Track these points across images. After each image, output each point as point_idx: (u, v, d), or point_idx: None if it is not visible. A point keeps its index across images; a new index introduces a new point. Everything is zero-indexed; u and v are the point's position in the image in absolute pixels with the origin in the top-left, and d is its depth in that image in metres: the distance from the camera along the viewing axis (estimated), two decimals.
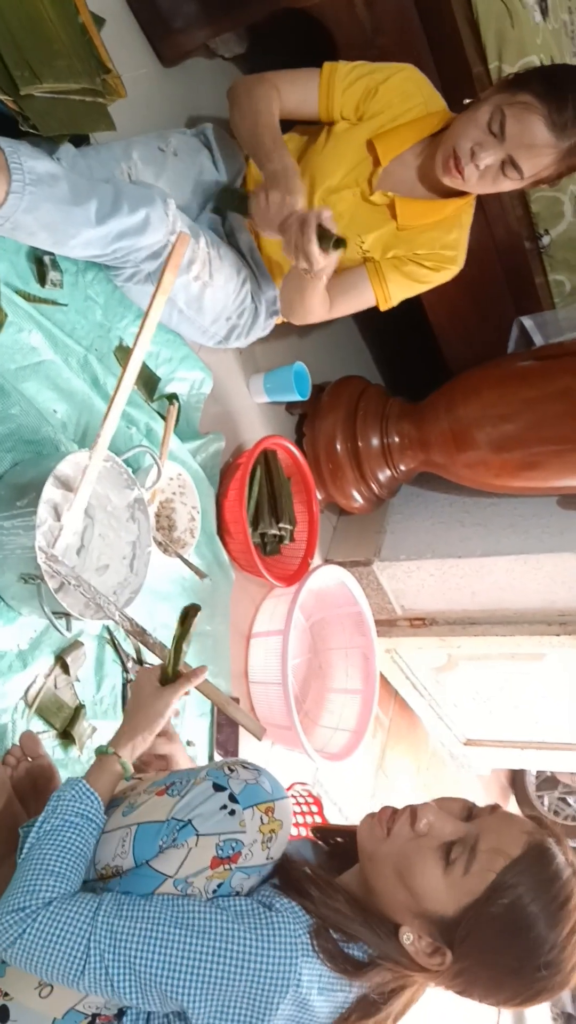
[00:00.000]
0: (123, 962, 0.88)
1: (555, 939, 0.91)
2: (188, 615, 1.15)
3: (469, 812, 0.99)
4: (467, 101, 1.68)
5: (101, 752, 1.08)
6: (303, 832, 2.05)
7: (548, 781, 4.04)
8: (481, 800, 1.04)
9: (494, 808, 1.00)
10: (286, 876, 0.98)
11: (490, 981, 0.94)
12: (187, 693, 1.18)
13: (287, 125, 1.81)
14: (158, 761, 1.28)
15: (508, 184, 1.65)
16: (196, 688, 1.26)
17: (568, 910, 0.92)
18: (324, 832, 1.17)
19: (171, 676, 1.16)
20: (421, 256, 1.82)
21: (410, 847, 0.96)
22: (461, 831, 0.96)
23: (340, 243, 1.51)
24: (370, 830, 1.01)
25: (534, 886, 0.91)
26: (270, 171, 1.60)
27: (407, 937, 0.95)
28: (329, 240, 1.50)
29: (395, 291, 1.85)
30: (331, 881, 0.99)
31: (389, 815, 1.01)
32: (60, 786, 1.02)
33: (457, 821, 0.98)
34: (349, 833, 1.09)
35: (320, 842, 1.15)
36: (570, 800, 4.01)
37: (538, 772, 4.05)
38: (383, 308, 1.88)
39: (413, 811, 0.99)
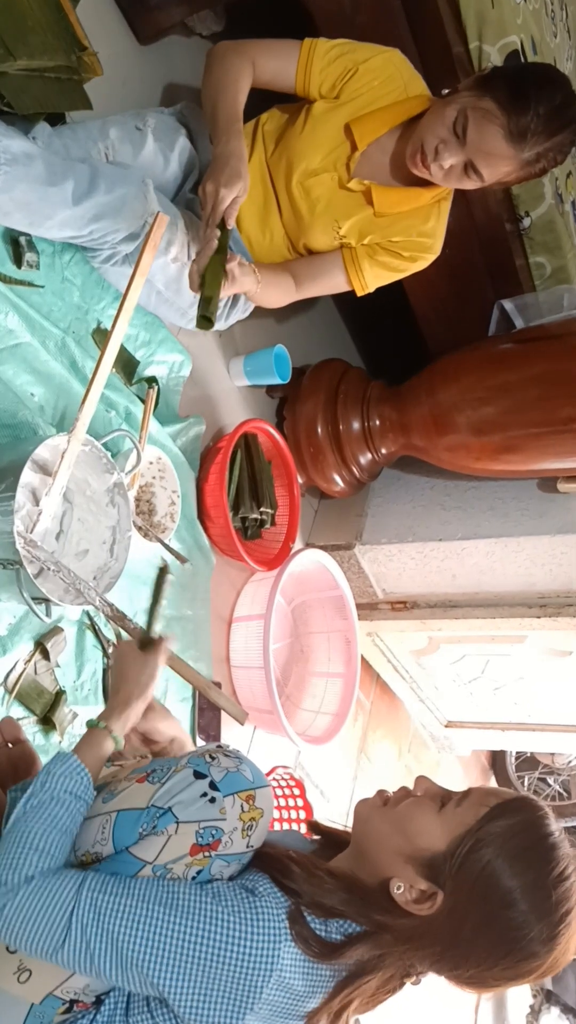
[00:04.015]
0: (105, 938, 0.87)
1: (538, 882, 0.91)
2: (160, 575, 1.16)
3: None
4: (445, 92, 1.68)
5: (92, 726, 1.08)
6: (285, 815, 2.06)
7: (528, 762, 4.08)
8: (458, 781, 1.06)
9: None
10: (266, 858, 0.98)
11: (476, 926, 0.92)
12: (169, 658, 1.18)
13: (265, 100, 1.79)
14: (153, 745, 1.27)
15: (471, 184, 1.67)
16: (178, 672, 1.27)
17: (554, 856, 0.93)
18: (319, 827, 1.17)
19: (149, 642, 1.17)
20: (397, 244, 1.82)
21: (407, 803, 1.00)
22: (455, 792, 1.01)
23: (206, 322, 1.50)
24: (365, 801, 1.05)
25: (522, 825, 0.94)
26: (215, 154, 1.58)
27: (398, 887, 0.95)
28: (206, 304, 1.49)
29: (371, 279, 1.86)
30: (313, 859, 1.00)
31: (385, 791, 1.05)
32: (50, 759, 1.01)
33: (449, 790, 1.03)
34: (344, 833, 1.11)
35: (313, 835, 1.15)
36: (550, 780, 4.05)
37: (518, 753, 4.09)
38: (359, 294, 1.88)
39: (406, 787, 1.04)
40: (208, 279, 1.51)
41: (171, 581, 1.16)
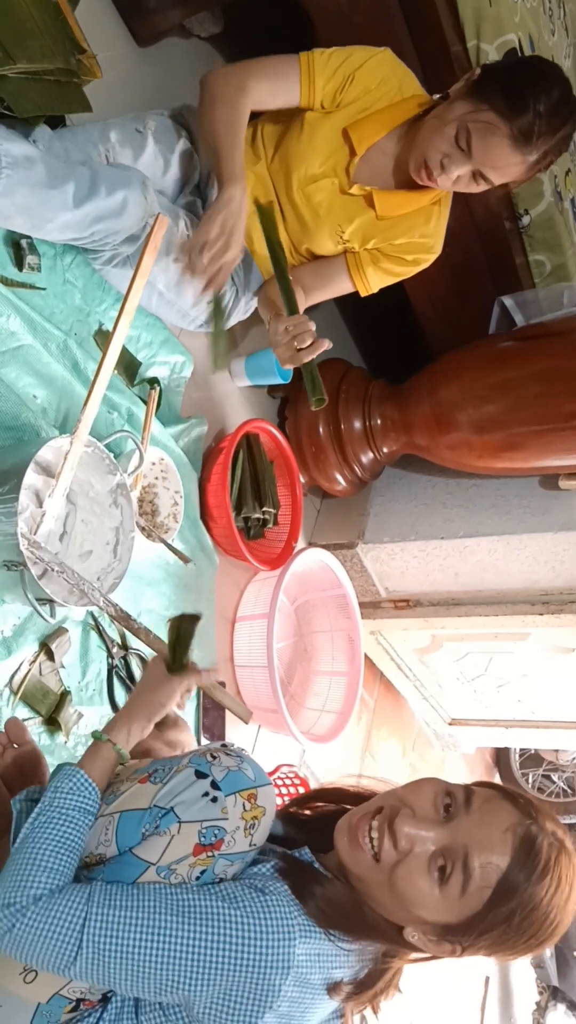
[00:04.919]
0: (119, 952, 0.87)
1: (552, 903, 0.92)
2: (185, 621, 1.14)
3: (446, 807, 0.96)
4: (437, 96, 1.68)
5: (96, 738, 1.07)
6: None
7: (532, 759, 4.09)
8: (462, 778, 1.04)
9: (468, 797, 0.96)
10: (294, 872, 0.97)
11: (503, 953, 0.96)
12: (190, 690, 1.15)
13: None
14: (163, 747, 1.27)
15: (479, 189, 1.69)
16: None
17: (563, 885, 0.93)
18: (294, 807, 1.17)
19: (176, 667, 1.13)
20: (400, 247, 1.83)
21: (399, 872, 0.93)
22: (445, 839, 0.93)
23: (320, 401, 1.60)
24: (353, 856, 0.97)
25: (530, 882, 0.91)
26: (219, 199, 1.60)
27: (413, 936, 0.96)
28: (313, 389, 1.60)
29: (374, 282, 1.89)
30: (335, 871, 1.00)
31: (366, 829, 0.97)
32: (57, 775, 1.01)
33: (436, 824, 0.94)
34: (320, 798, 1.11)
35: (292, 818, 1.15)
36: (554, 777, 4.05)
37: (522, 750, 4.09)
38: (363, 295, 1.90)
39: (391, 826, 0.95)
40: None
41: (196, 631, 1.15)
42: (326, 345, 1.60)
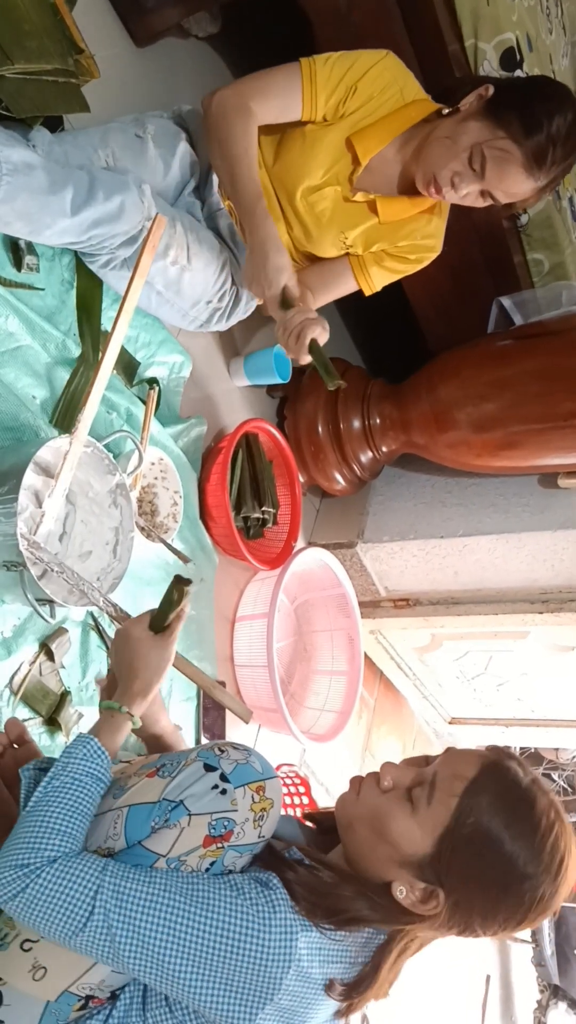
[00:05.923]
0: (128, 924, 0.88)
1: (530, 844, 0.93)
2: (179, 584, 1.15)
3: (428, 760, 1.04)
4: (446, 112, 1.68)
5: (114, 709, 1.09)
6: (290, 813, 2.06)
7: (532, 757, 4.09)
8: None
9: (448, 750, 1.04)
10: (272, 854, 0.99)
11: (485, 905, 0.96)
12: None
13: None
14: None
15: (484, 204, 1.71)
16: (182, 672, 1.27)
17: (535, 814, 0.94)
18: (313, 815, 1.18)
19: (162, 626, 1.17)
20: (402, 248, 1.85)
21: (379, 803, 1.00)
22: (420, 775, 1.01)
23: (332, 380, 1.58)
24: (342, 799, 1.04)
25: (496, 798, 0.94)
26: (249, 244, 1.61)
27: (400, 891, 0.96)
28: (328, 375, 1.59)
29: (378, 280, 1.90)
30: (321, 857, 1.01)
31: (357, 780, 1.05)
32: (71, 741, 1.03)
33: (417, 769, 1.02)
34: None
35: (309, 822, 1.16)
36: (554, 776, 4.05)
37: (522, 749, 4.09)
38: (367, 294, 1.91)
39: (376, 773, 1.03)
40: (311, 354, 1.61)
41: (190, 592, 1.15)
42: (317, 330, 1.62)
